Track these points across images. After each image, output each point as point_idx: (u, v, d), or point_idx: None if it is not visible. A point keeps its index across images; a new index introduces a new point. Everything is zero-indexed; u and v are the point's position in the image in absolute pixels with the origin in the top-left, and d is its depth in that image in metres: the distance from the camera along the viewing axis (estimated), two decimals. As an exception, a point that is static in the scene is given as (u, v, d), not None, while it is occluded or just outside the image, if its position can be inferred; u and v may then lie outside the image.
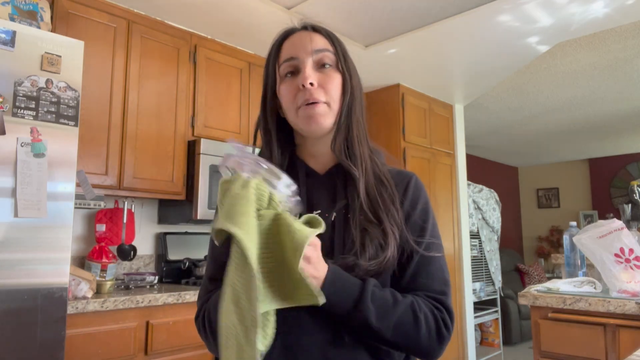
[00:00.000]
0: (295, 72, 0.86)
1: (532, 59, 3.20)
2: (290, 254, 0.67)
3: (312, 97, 0.83)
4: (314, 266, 0.70)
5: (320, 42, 0.87)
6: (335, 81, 0.86)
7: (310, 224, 0.72)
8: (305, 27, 0.89)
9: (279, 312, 0.73)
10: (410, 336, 0.76)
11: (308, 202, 0.86)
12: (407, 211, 0.86)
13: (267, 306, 0.68)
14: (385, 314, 0.74)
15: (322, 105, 0.84)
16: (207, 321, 0.83)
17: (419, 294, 0.81)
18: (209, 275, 0.89)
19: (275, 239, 0.69)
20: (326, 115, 0.84)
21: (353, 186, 0.85)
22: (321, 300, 0.69)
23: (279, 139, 0.90)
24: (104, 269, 2.20)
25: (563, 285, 1.93)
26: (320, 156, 0.90)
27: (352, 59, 0.91)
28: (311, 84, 0.82)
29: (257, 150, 0.94)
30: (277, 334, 0.77)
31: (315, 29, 0.89)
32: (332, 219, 0.83)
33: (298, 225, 0.69)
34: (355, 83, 0.89)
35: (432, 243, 0.85)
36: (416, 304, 0.78)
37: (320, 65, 0.86)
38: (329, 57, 0.86)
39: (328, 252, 0.80)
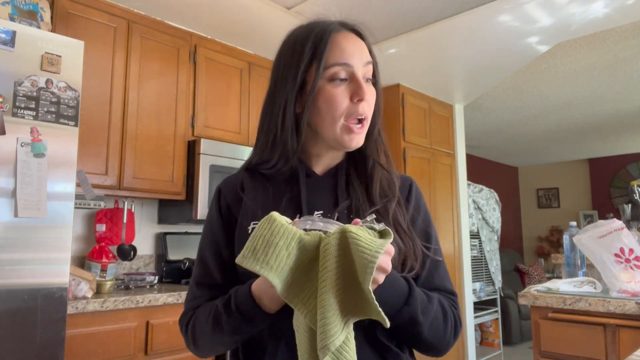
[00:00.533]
0: (348, 79, 0.82)
1: (532, 59, 3.20)
2: (360, 272, 0.63)
3: (365, 112, 0.82)
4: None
5: (367, 52, 0.84)
6: (374, 96, 0.85)
7: (381, 234, 0.67)
8: (355, 30, 0.86)
9: (282, 314, 0.73)
10: (439, 331, 0.79)
11: (308, 204, 0.84)
12: (412, 215, 0.88)
13: (341, 336, 0.64)
14: (426, 309, 0.77)
15: (365, 125, 0.83)
16: (191, 335, 0.85)
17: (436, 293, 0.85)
18: (195, 278, 0.89)
19: (345, 255, 0.65)
20: (364, 134, 0.85)
21: (360, 185, 0.85)
22: (387, 324, 0.65)
23: (292, 140, 0.84)
24: (104, 269, 2.20)
25: (563, 285, 1.93)
26: (324, 157, 0.89)
27: None
28: (366, 100, 0.82)
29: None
30: (281, 336, 0.77)
31: (362, 36, 0.86)
32: (335, 218, 0.82)
33: (365, 238, 0.64)
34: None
35: (438, 248, 0.88)
36: (443, 300, 0.82)
37: (365, 79, 0.83)
38: (371, 72, 0.85)
39: None
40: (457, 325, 0.82)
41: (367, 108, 0.82)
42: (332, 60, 0.81)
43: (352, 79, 0.81)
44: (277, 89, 0.85)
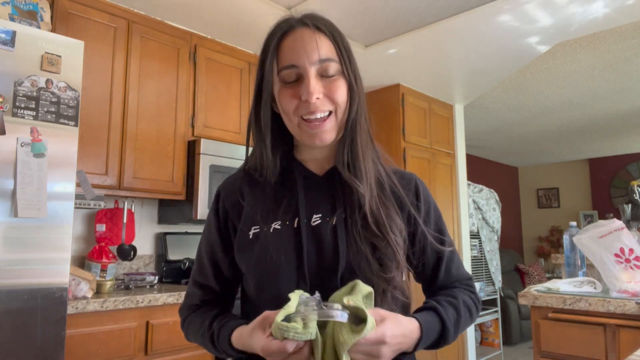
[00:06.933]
0: (298, 79, 0.80)
1: (532, 59, 3.20)
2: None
3: (318, 110, 0.78)
4: (397, 340, 0.70)
5: (324, 47, 0.80)
6: (341, 90, 0.81)
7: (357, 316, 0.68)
8: (306, 24, 0.81)
9: None
10: (465, 328, 0.86)
11: (307, 206, 0.84)
12: (422, 217, 0.90)
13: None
14: (457, 325, 0.83)
15: (328, 121, 0.80)
16: (186, 334, 0.92)
17: (456, 285, 0.91)
18: (192, 274, 0.94)
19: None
20: (332, 131, 0.81)
21: (351, 192, 0.83)
22: None
23: (273, 139, 0.86)
24: (104, 269, 2.20)
25: (563, 285, 1.92)
26: (319, 158, 0.88)
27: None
28: (317, 98, 0.78)
29: None
30: None
31: (319, 27, 0.81)
32: (334, 223, 0.82)
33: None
34: (360, 87, 0.85)
35: (449, 240, 0.92)
36: (467, 300, 0.87)
37: (324, 75, 0.80)
38: (334, 67, 0.80)
39: (333, 259, 0.80)
40: (479, 308, 0.90)
41: (320, 104, 0.79)
42: (282, 64, 0.81)
43: (301, 79, 0.80)
44: (258, 88, 0.86)
